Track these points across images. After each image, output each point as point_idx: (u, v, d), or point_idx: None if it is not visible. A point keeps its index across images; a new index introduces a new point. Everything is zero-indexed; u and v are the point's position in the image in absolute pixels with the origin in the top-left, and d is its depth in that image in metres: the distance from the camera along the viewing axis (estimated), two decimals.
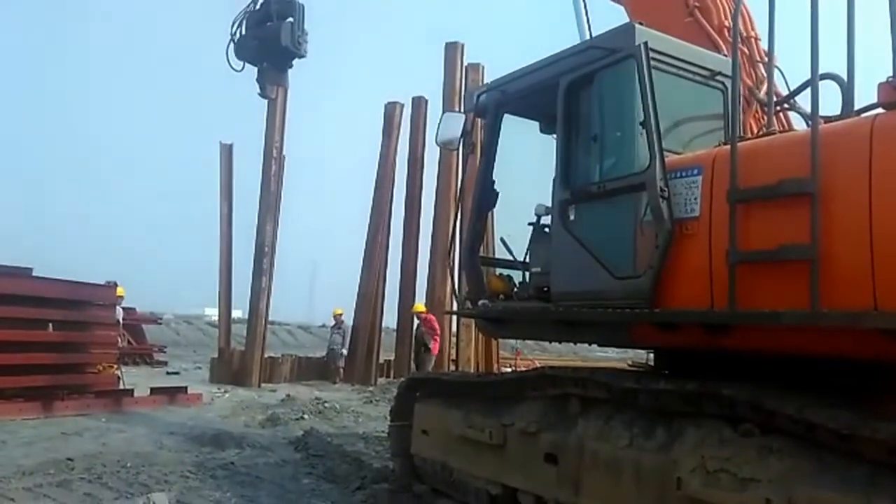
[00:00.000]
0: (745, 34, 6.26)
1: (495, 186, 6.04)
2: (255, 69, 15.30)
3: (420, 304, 15.65)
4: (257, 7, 14.64)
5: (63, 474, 6.75)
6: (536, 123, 6.11)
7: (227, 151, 18.94)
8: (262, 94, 15.65)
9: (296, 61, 15.03)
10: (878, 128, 3.41)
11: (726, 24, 6.49)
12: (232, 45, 14.63)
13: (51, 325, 10.93)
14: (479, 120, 6.37)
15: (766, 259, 3.72)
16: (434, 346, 15.40)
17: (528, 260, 5.90)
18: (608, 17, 7.50)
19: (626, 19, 6.91)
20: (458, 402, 5.99)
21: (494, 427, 5.33)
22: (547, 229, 5.57)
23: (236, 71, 14.87)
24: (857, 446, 3.20)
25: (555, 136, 5.33)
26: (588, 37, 7.15)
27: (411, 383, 6.96)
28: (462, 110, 7.56)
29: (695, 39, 5.71)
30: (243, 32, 14.51)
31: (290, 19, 14.14)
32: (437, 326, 15.43)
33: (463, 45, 17.50)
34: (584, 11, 7.75)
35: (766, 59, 5.67)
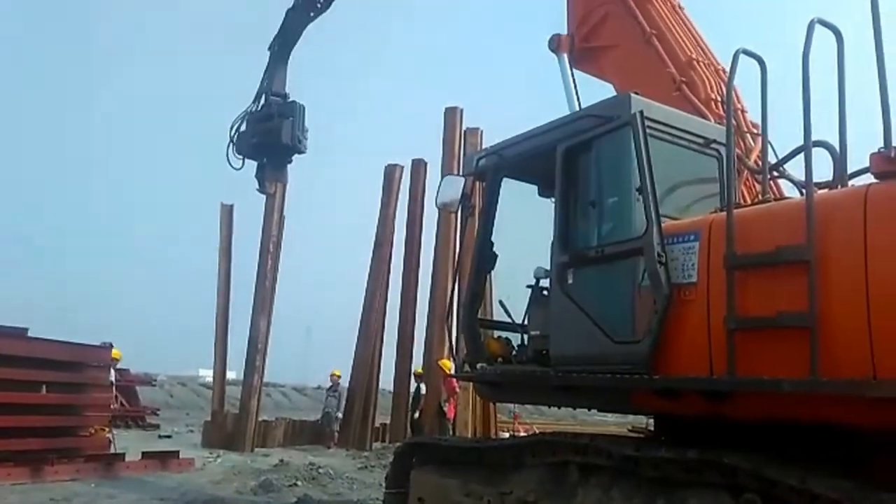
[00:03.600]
0: (734, 106, 6.43)
1: (494, 249, 6.08)
2: (254, 165, 15.55)
3: (446, 361, 15.18)
4: (258, 108, 15.03)
5: None
6: (535, 187, 6.19)
7: (227, 212, 19.02)
8: (261, 190, 15.90)
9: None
10: (871, 197, 3.47)
11: (713, 96, 6.70)
12: (231, 144, 15.02)
13: (44, 386, 10.79)
14: (479, 183, 6.46)
15: (765, 326, 3.72)
16: (450, 410, 15.08)
17: (526, 323, 5.88)
18: (597, 90, 7.74)
19: (613, 92, 7.12)
20: (455, 468, 5.89)
21: (492, 495, 5.23)
22: (546, 292, 5.58)
23: (236, 169, 15.28)
24: None
25: (553, 199, 5.40)
26: (577, 107, 7.33)
27: (407, 448, 6.85)
28: (461, 173, 7.67)
29: (683, 111, 5.85)
30: (243, 129, 14.87)
31: (291, 118, 14.49)
32: (458, 389, 15.10)
33: (462, 110, 17.82)
34: (572, 84, 7.96)
35: (754, 129, 5.83)
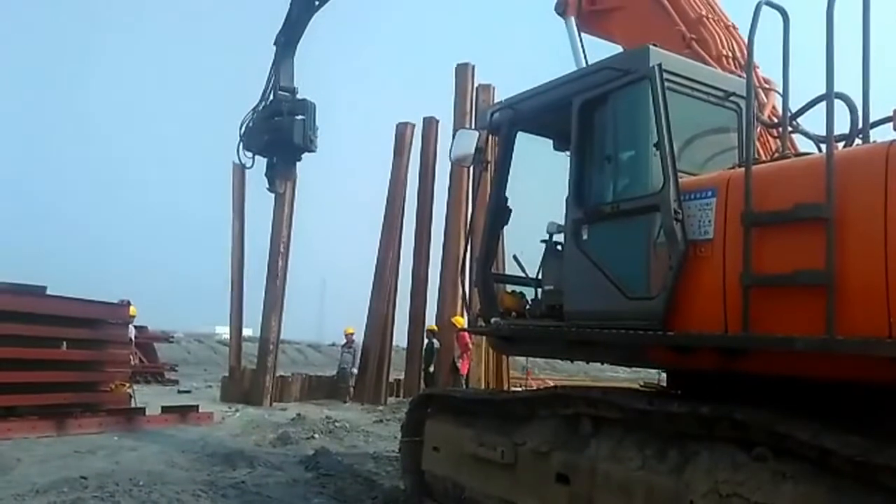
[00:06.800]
0: (744, 62, 6.31)
1: (508, 203, 6.07)
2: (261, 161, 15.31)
3: (459, 318, 15.29)
4: (268, 102, 14.68)
5: (76, 492, 6.76)
6: (550, 141, 6.14)
7: (239, 171, 18.96)
8: (271, 189, 15.68)
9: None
10: (893, 154, 3.40)
11: (724, 52, 6.57)
12: (241, 141, 14.85)
13: (65, 343, 11.00)
14: (493, 137, 6.42)
15: (781, 283, 3.70)
16: (463, 366, 15.25)
17: (540, 277, 5.90)
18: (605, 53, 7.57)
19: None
20: (469, 419, 5.98)
21: (506, 446, 5.32)
22: (559, 247, 5.58)
23: (246, 168, 15.17)
24: (873, 473, 3.17)
25: (568, 154, 5.36)
26: (584, 64, 7.20)
27: (423, 399, 6.96)
28: (476, 127, 7.60)
29: None
30: (252, 126, 14.60)
31: (302, 116, 14.16)
32: (471, 345, 15.25)
33: (474, 67, 17.61)
34: (580, 47, 7.80)
35: (766, 84, 5.72)
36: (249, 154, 15.04)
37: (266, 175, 15.35)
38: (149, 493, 6.85)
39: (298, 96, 14.80)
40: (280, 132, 14.27)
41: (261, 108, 14.77)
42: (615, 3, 7.89)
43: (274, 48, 14.83)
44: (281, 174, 15.40)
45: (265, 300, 16.45)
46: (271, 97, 14.72)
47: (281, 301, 16.57)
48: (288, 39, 14.61)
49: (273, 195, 16.04)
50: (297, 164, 15.48)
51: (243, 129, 14.84)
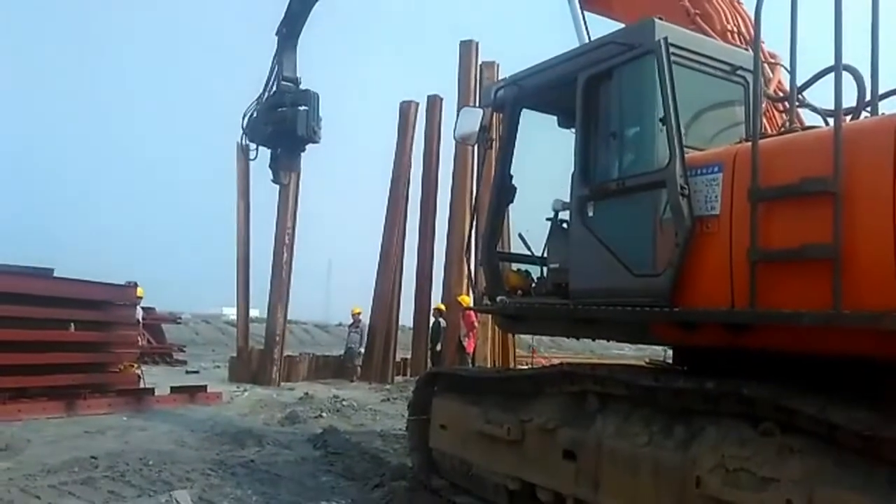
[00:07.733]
0: (749, 37, 6.22)
1: (513, 181, 6.03)
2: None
3: (465, 296, 15.35)
4: (270, 92, 14.55)
5: (87, 472, 6.83)
6: (555, 118, 6.09)
7: (243, 149, 18.96)
8: (275, 181, 15.57)
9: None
10: None
11: (729, 27, 6.50)
12: (244, 133, 14.76)
13: (72, 325, 11.06)
14: (497, 115, 6.36)
15: (788, 258, 3.68)
16: (469, 344, 15.29)
17: (545, 255, 5.89)
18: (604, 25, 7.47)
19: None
20: (476, 397, 6.00)
21: (513, 423, 5.34)
22: (565, 225, 5.56)
23: (250, 159, 15.08)
24: (879, 448, 3.17)
25: (573, 130, 5.31)
26: (586, 40, 7.11)
27: (430, 377, 6.99)
28: (479, 105, 7.53)
29: None
30: (255, 117, 14.50)
31: (305, 107, 14.04)
32: (476, 323, 15.27)
33: (477, 44, 17.49)
34: (583, 26, 7.69)
35: (771, 59, 5.65)
36: (253, 146, 14.99)
37: (270, 167, 15.30)
38: (159, 472, 6.92)
39: (301, 87, 14.72)
40: (283, 123, 14.19)
41: (264, 98, 14.70)
42: None
43: (276, 39, 14.72)
44: (285, 166, 15.34)
45: (271, 291, 16.46)
46: (274, 88, 14.64)
47: (287, 292, 16.58)
48: (290, 31, 14.50)
49: (277, 186, 16.02)
50: (302, 154, 15.43)
51: (246, 119, 14.77)
